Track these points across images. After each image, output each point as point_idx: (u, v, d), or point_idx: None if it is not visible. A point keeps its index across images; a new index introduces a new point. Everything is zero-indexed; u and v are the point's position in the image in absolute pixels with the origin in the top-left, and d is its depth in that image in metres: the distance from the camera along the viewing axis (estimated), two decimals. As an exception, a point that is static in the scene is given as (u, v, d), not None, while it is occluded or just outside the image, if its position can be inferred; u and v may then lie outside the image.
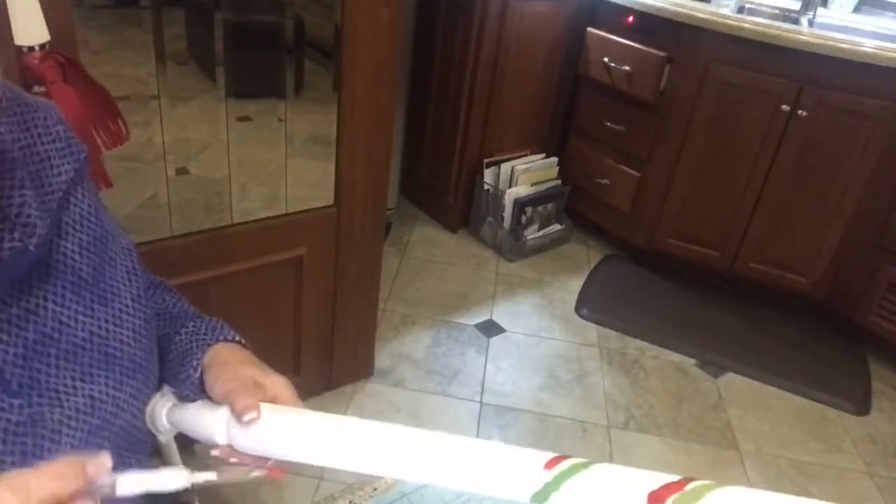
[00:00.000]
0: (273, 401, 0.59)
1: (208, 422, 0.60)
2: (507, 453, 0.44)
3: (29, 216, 0.47)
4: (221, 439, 0.59)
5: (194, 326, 0.68)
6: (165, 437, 0.68)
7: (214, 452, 0.59)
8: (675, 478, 0.40)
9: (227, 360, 0.64)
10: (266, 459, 0.56)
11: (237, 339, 0.69)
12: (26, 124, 0.51)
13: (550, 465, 0.43)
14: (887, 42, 2.00)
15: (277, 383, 0.60)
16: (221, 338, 0.67)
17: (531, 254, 2.62)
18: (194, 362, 0.65)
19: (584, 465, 0.42)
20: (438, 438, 0.46)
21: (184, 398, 0.67)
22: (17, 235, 0.45)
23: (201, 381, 0.65)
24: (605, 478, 0.42)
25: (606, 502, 0.40)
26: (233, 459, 0.58)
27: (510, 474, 0.43)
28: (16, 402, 0.43)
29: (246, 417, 0.56)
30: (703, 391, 2.05)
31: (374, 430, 0.50)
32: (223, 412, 0.59)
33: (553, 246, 2.69)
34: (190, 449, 1.60)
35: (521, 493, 0.43)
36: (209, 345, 0.66)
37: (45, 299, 0.49)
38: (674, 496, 0.39)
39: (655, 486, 0.40)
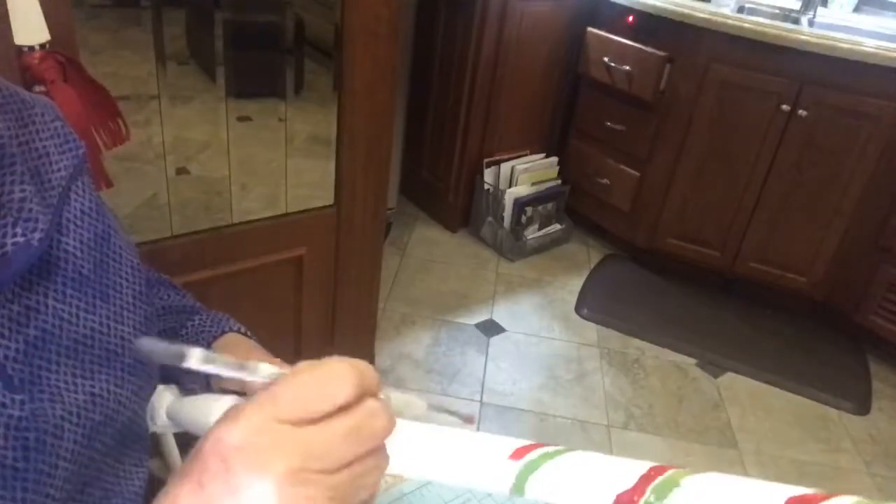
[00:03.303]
0: None
1: (208, 413, 0.59)
2: (476, 443, 0.44)
3: (31, 211, 0.46)
4: None
5: (200, 320, 0.69)
6: (161, 429, 0.68)
7: None
8: (648, 465, 0.40)
9: (238, 346, 0.66)
10: None
11: (243, 330, 0.70)
12: (24, 120, 0.51)
13: (519, 454, 0.42)
14: (887, 42, 2.00)
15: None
16: (228, 329, 0.69)
17: (531, 254, 2.62)
18: None
19: (557, 453, 0.42)
20: (412, 429, 0.45)
21: (188, 392, 0.67)
22: (19, 230, 0.45)
23: (206, 374, 0.65)
24: (576, 468, 0.41)
25: (581, 492, 0.40)
26: None
27: (479, 465, 0.43)
28: (17, 397, 0.43)
29: None
30: (703, 391, 2.05)
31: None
32: (225, 402, 0.59)
33: (553, 246, 2.69)
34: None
35: (496, 484, 0.42)
36: (215, 336, 0.67)
37: (46, 296, 0.49)
38: (651, 485, 0.38)
39: (632, 481, 0.39)
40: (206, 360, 0.38)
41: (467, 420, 0.42)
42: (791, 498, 0.36)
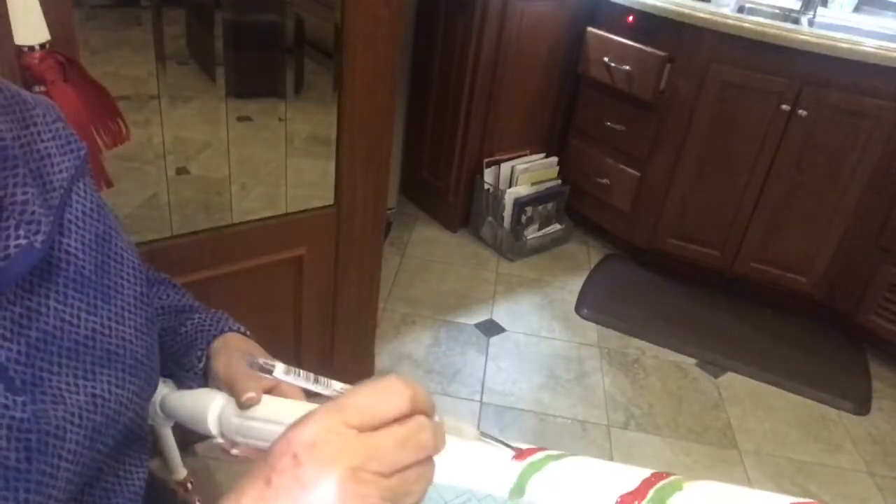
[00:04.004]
0: (273, 390, 0.59)
1: (201, 406, 0.60)
2: (477, 446, 0.44)
3: (33, 213, 0.46)
4: (213, 424, 0.59)
5: (199, 318, 0.69)
6: (158, 424, 0.69)
7: (219, 440, 0.60)
8: (650, 471, 0.40)
9: (237, 347, 0.66)
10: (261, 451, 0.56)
11: (242, 330, 0.70)
12: (25, 122, 0.51)
13: (522, 456, 0.42)
14: (887, 42, 2.00)
15: None
16: (227, 328, 0.69)
17: (531, 253, 2.62)
18: (198, 353, 0.66)
19: (560, 456, 0.42)
20: None
21: (184, 388, 0.68)
22: (21, 233, 0.45)
23: (204, 371, 0.66)
24: (579, 471, 0.41)
25: (583, 493, 0.40)
26: (234, 451, 0.59)
27: (481, 466, 0.43)
28: (19, 399, 0.43)
29: (245, 396, 0.56)
30: (703, 391, 2.05)
31: None
32: (219, 399, 0.60)
33: (553, 245, 2.69)
34: (191, 449, 1.59)
35: (496, 486, 0.43)
36: (214, 335, 0.68)
37: (48, 297, 0.49)
38: (654, 488, 0.39)
39: (631, 487, 0.39)
40: (287, 372, 0.45)
41: (517, 451, 0.43)
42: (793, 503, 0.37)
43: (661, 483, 0.39)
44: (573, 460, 0.42)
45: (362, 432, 0.37)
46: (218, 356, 0.65)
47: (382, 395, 0.39)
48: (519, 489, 0.42)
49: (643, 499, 0.38)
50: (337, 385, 0.45)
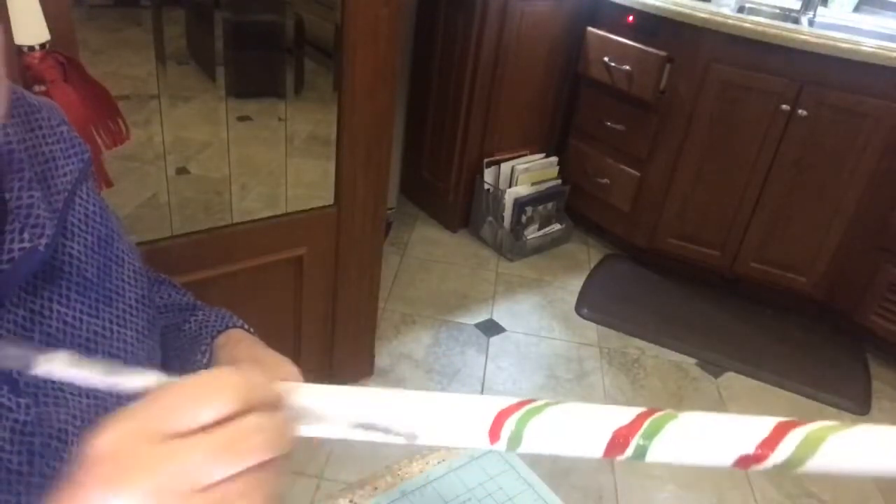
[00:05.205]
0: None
1: None
2: (475, 399, 0.44)
3: (38, 217, 0.47)
4: None
5: (203, 315, 0.70)
6: None
7: None
8: (638, 410, 0.41)
9: (241, 340, 0.66)
10: None
11: (246, 327, 0.71)
12: (30, 125, 0.51)
13: (521, 405, 0.42)
14: (887, 41, 2.00)
15: (284, 366, 0.61)
16: (231, 325, 0.69)
17: (531, 253, 2.62)
18: (202, 348, 0.66)
19: (559, 403, 0.43)
20: (405, 395, 0.44)
21: None
22: (26, 236, 0.45)
23: (208, 367, 0.65)
24: (576, 413, 0.42)
25: (572, 440, 0.41)
26: None
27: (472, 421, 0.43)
28: (23, 401, 0.43)
29: None
30: (703, 391, 2.05)
31: (343, 391, 0.47)
32: None
33: (553, 245, 2.69)
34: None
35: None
36: (219, 331, 0.68)
37: (51, 301, 0.49)
38: (649, 419, 0.39)
39: (619, 425, 0.40)
40: (72, 364, 0.34)
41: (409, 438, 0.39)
42: (778, 423, 0.38)
43: (655, 415, 0.40)
44: (572, 404, 0.43)
45: (169, 440, 0.29)
46: (222, 352, 0.65)
47: (196, 394, 0.31)
48: (516, 438, 0.42)
49: (638, 430, 0.39)
50: (141, 379, 0.34)
